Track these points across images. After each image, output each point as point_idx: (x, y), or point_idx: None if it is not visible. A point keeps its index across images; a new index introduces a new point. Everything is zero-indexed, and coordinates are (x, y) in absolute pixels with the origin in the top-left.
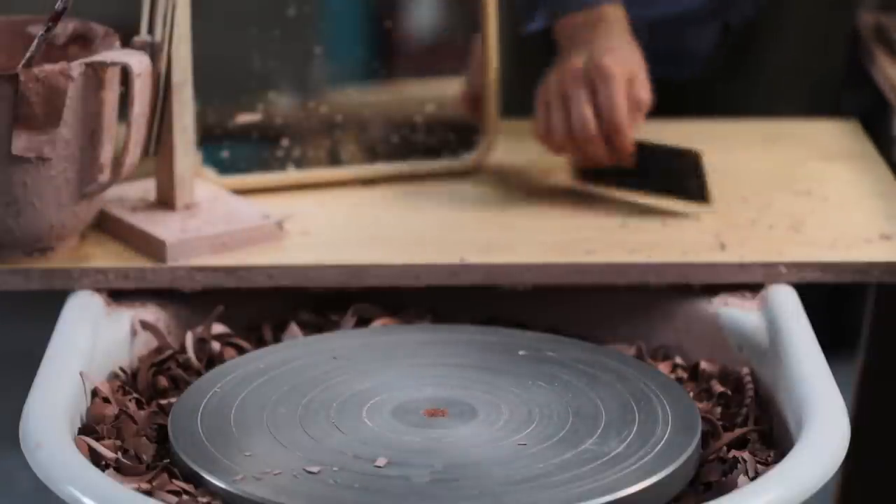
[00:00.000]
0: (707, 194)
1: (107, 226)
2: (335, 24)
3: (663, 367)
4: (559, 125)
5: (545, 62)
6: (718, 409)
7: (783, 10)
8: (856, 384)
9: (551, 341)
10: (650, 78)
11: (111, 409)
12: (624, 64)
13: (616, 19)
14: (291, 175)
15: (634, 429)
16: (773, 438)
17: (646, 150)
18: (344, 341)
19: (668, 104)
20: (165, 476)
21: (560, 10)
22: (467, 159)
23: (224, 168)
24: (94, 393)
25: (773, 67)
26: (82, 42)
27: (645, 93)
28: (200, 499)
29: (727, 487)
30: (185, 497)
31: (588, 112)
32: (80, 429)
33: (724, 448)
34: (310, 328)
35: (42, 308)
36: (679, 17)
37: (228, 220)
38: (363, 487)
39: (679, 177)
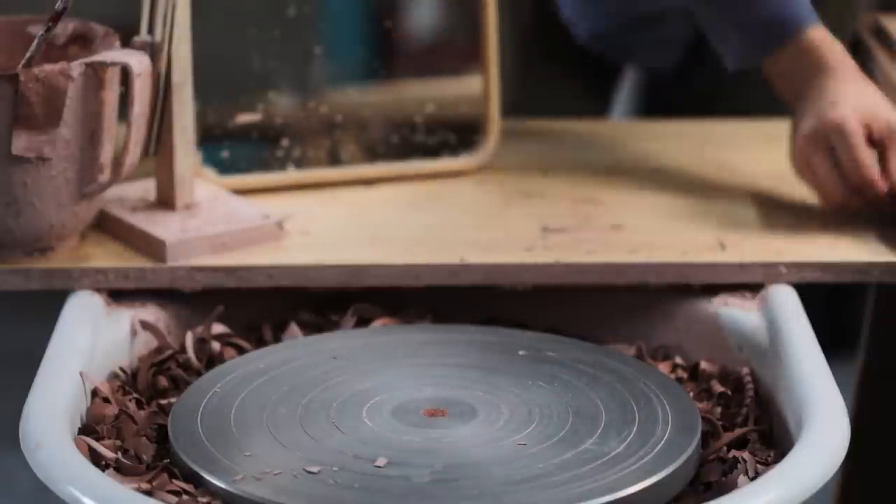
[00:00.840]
0: None
1: (107, 226)
2: (335, 24)
3: (663, 367)
4: (819, 193)
5: (546, 62)
6: (718, 409)
7: None
8: (856, 384)
9: (551, 341)
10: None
11: (111, 409)
12: (854, 107)
13: (823, 44)
14: (291, 175)
15: (634, 429)
16: (773, 438)
17: None
18: (344, 341)
19: (668, 105)
20: (165, 476)
21: (760, 51)
22: (467, 159)
23: (224, 168)
24: (94, 393)
25: None
26: (82, 42)
27: (886, 122)
28: (200, 499)
29: (727, 487)
30: (185, 497)
31: (832, 178)
32: (80, 429)
33: (724, 448)
34: (310, 328)
35: (42, 308)
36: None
37: (228, 220)
38: (363, 487)
39: None
